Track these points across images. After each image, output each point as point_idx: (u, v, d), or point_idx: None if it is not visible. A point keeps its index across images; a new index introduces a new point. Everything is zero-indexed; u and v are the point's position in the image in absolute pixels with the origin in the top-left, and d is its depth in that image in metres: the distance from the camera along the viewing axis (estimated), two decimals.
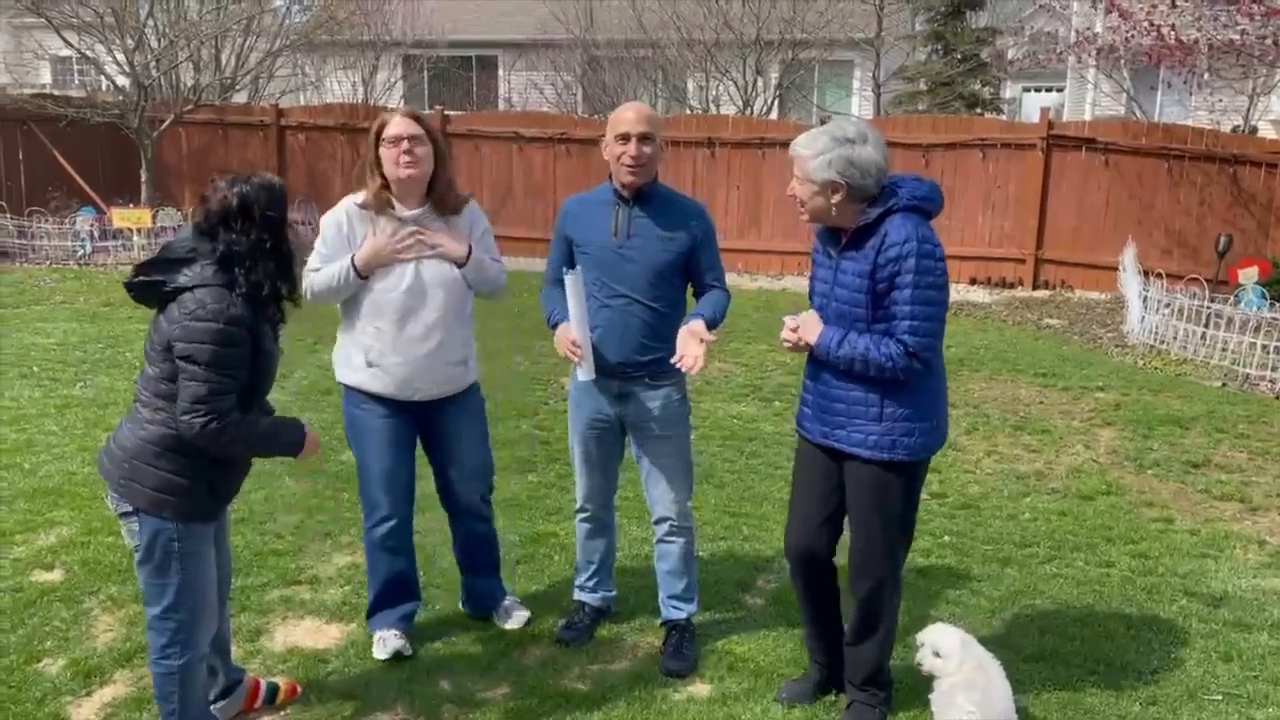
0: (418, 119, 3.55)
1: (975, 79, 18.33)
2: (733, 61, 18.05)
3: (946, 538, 4.91)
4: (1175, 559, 4.73)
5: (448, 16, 21.52)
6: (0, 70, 18.89)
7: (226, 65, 15.79)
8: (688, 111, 18.20)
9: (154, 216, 12.61)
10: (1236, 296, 9.40)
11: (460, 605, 4.06)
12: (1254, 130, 14.61)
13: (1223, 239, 10.45)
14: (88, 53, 14.20)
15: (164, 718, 3.02)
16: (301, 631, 3.92)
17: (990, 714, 3.11)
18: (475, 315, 3.76)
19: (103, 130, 13.94)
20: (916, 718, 3.40)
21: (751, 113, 17.58)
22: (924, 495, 5.43)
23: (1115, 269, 10.86)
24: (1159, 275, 9.45)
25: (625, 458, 3.86)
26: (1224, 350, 8.34)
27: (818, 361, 3.22)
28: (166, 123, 13.79)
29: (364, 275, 3.49)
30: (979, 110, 17.80)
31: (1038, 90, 27.17)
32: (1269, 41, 11.34)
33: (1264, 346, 8.09)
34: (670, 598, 3.84)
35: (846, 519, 3.33)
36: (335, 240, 3.55)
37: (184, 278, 2.78)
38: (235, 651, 3.52)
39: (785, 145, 3.79)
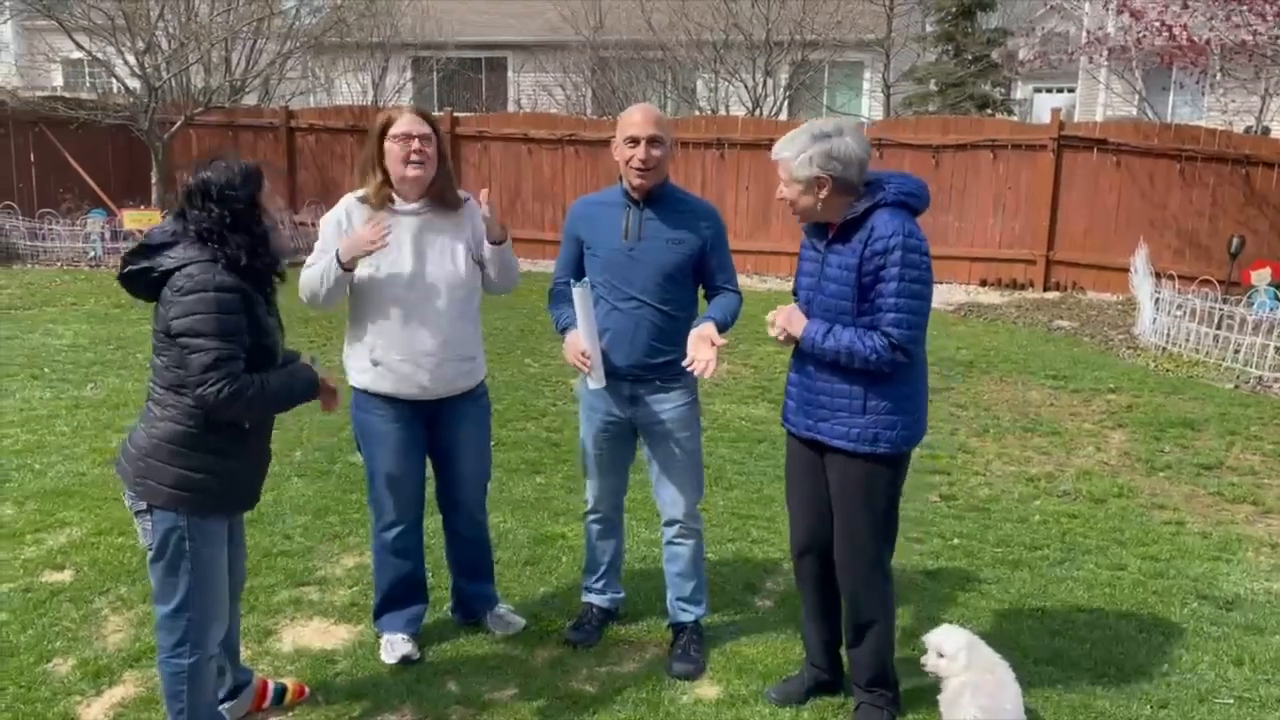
0: (425, 117, 3.51)
1: (986, 80, 18.31)
2: (742, 63, 18.04)
3: (956, 540, 4.89)
4: (1187, 562, 4.70)
5: (457, 19, 21.59)
6: (12, 73, 19.01)
7: (237, 67, 15.82)
8: (697, 113, 18.20)
9: (164, 218, 12.61)
10: (1249, 298, 9.36)
11: (449, 612, 3.99)
12: (1266, 131, 14.51)
13: (1235, 240, 10.40)
14: (99, 55, 14.26)
15: (173, 717, 3.03)
16: (310, 632, 3.92)
17: (999, 717, 3.09)
18: (483, 315, 3.73)
19: (114, 132, 14.00)
20: (925, 719, 3.40)
21: (761, 114, 17.56)
22: (934, 498, 5.45)
23: (1127, 270, 10.82)
24: (1171, 277, 9.42)
25: (636, 460, 3.86)
26: (1236, 352, 8.30)
27: (802, 355, 3.25)
28: (177, 125, 13.83)
29: (348, 267, 3.39)
30: (989, 111, 17.76)
31: (1049, 91, 27.13)
32: None
33: (1276, 348, 8.04)
34: (679, 600, 3.83)
35: None
36: (333, 239, 3.48)
37: (169, 260, 2.84)
38: (243, 652, 3.53)
39: None
